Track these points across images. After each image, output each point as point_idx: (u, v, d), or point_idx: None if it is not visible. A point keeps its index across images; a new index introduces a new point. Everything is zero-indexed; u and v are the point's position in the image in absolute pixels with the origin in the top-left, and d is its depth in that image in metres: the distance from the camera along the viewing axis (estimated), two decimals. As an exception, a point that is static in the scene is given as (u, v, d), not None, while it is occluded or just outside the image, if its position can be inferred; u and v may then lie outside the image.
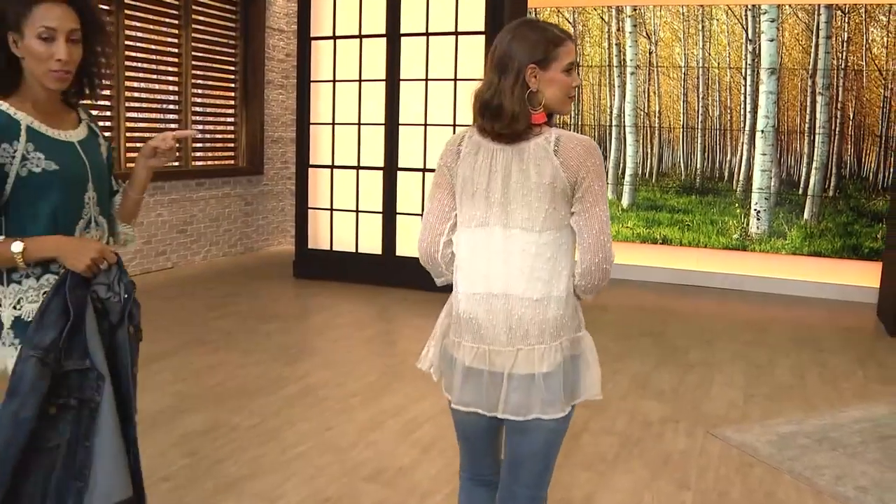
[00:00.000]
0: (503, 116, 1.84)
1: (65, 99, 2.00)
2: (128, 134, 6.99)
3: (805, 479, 3.31)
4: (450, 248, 1.98)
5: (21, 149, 1.82)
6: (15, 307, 1.86)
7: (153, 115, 7.40)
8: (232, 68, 8.25)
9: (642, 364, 4.88)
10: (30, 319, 1.81)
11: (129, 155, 7.01)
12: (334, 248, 7.26)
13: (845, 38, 6.98)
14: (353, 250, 7.18)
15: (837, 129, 7.09)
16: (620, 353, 5.14)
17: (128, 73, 6.95)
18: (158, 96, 7.40)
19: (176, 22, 7.45)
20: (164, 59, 7.38)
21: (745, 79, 7.30)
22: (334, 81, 7.12)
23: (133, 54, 7.01)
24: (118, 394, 1.81)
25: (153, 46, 7.25)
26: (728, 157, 7.44)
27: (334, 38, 7.06)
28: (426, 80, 6.81)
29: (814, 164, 7.18)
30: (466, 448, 2.12)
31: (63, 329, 1.74)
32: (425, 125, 6.84)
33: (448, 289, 2.02)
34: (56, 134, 1.91)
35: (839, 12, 6.96)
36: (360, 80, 7.05)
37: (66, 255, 1.82)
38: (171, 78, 7.49)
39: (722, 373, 4.77)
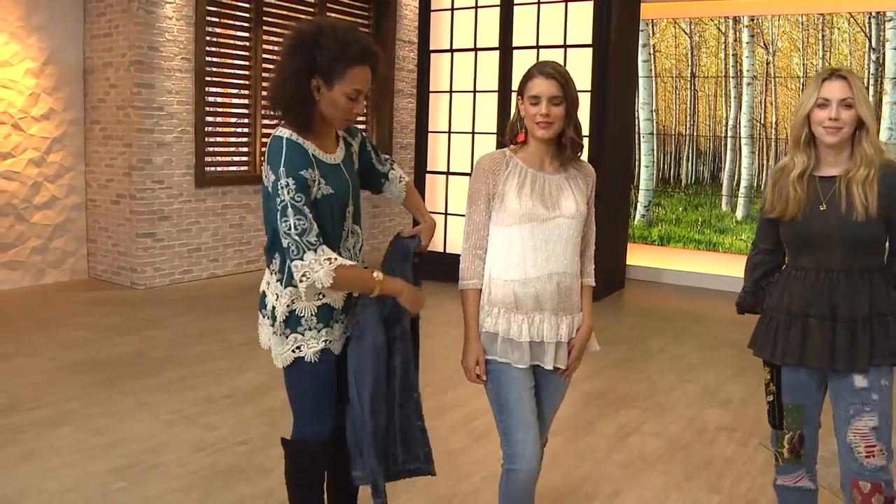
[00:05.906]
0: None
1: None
2: (263, 139, 7.69)
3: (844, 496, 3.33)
4: None
5: (316, 176, 2.18)
6: (288, 305, 2.28)
7: (287, 123, 8.04)
8: (363, 78, 8.80)
9: (718, 374, 4.93)
10: (300, 315, 2.28)
11: (261, 159, 7.70)
12: (447, 251, 7.64)
13: (980, 47, 6.62)
14: (465, 253, 7.52)
15: (970, 142, 6.73)
16: (699, 362, 5.20)
17: (265, 84, 7.63)
18: (293, 105, 8.05)
19: (311, 37, 8.07)
20: (299, 70, 8.02)
21: (867, 89, 7.05)
22: (451, 92, 7.50)
23: (270, 67, 7.70)
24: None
25: (289, 59, 7.89)
26: (848, 171, 7.20)
27: (451, 51, 7.45)
28: (536, 91, 7.05)
29: (942, 179, 6.83)
30: None
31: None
32: (535, 134, 7.08)
33: None
34: (327, 158, 2.26)
35: (974, 20, 6.61)
36: (474, 91, 7.40)
37: (407, 300, 2.34)
38: (304, 88, 8.12)
39: (798, 388, 4.74)
